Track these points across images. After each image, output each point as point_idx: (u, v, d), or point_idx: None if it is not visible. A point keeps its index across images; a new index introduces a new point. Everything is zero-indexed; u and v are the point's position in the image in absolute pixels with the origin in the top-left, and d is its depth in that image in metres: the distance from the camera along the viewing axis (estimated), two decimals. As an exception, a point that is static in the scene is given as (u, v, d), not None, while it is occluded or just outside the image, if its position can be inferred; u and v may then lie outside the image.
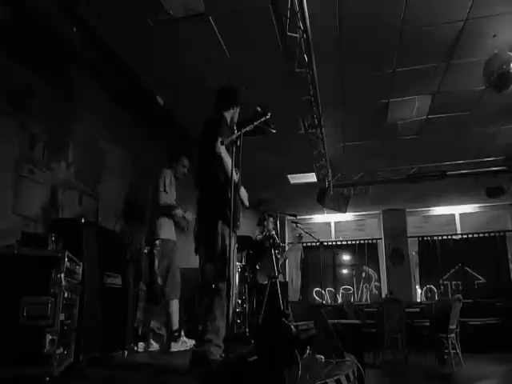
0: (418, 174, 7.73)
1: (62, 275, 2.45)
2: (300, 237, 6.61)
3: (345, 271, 11.00)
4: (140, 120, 5.56)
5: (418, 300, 9.96)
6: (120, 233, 4.20)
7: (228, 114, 3.20)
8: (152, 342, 4.14)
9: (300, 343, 2.46)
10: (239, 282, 5.27)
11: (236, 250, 3.18)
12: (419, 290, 10.29)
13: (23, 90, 3.69)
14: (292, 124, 5.82)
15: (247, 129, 2.81)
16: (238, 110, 3.29)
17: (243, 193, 3.09)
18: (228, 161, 2.88)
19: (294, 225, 6.82)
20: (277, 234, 6.38)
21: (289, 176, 8.18)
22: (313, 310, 8.51)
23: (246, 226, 4.93)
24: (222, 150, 2.86)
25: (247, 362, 2.13)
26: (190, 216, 4.12)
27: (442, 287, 9.89)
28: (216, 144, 2.82)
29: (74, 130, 4.34)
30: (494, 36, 4.29)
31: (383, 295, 9.94)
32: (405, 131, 6.39)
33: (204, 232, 3.05)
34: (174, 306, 4.09)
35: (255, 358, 2.15)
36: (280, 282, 5.31)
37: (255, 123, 2.89)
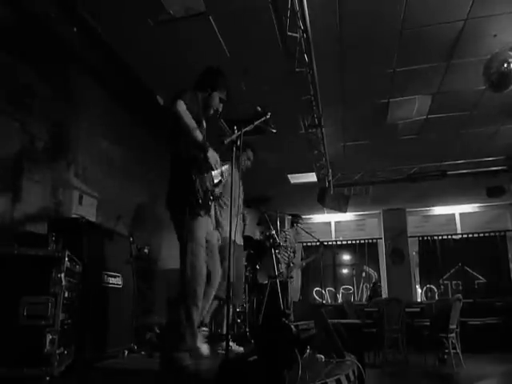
0: (418, 174, 7.73)
1: (63, 275, 2.45)
2: (322, 244, 6.57)
3: (345, 271, 11.00)
4: (140, 119, 5.56)
5: (418, 300, 9.97)
6: (121, 232, 4.19)
7: (200, 94, 2.97)
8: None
9: (300, 343, 2.46)
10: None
11: (215, 240, 2.95)
12: (419, 290, 10.30)
13: (23, 89, 3.69)
14: (292, 124, 5.82)
15: (247, 129, 2.79)
16: (217, 95, 3.01)
17: (213, 157, 2.73)
18: (189, 121, 2.63)
19: (295, 224, 6.82)
20: (277, 233, 6.39)
21: (289, 176, 8.18)
22: (313, 309, 8.52)
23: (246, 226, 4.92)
24: (181, 108, 2.60)
25: (247, 361, 2.13)
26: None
27: (442, 287, 9.90)
28: (174, 102, 2.60)
29: (74, 130, 4.35)
30: (495, 36, 4.28)
31: (383, 295, 9.95)
32: (405, 131, 6.39)
33: (172, 219, 2.82)
34: None
35: (255, 357, 2.15)
36: (280, 282, 5.32)
37: (255, 123, 2.88)
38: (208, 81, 3.02)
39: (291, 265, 6.32)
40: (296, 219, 6.51)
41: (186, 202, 2.62)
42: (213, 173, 2.81)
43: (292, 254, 6.31)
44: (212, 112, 3.04)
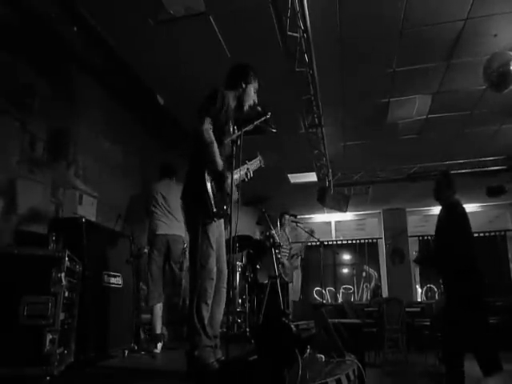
0: (419, 174, 7.73)
1: (63, 274, 2.45)
2: (312, 231, 6.59)
3: (345, 271, 11.00)
4: (140, 119, 5.56)
5: (419, 299, 9.97)
6: (121, 232, 4.19)
7: (232, 93, 2.90)
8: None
9: (300, 342, 2.46)
10: (240, 282, 5.27)
11: (223, 238, 2.92)
12: (419, 290, 10.30)
13: (24, 89, 3.69)
14: (292, 123, 5.82)
15: (247, 128, 2.78)
16: (252, 87, 2.94)
17: (229, 185, 2.69)
18: (212, 147, 2.60)
19: (294, 224, 6.82)
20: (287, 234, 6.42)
21: (289, 175, 8.18)
22: (313, 309, 8.52)
23: (245, 224, 4.92)
24: (207, 130, 2.60)
25: (247, 361, 2.13)
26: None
27: (442, 287, 9.88)
28: (201, 120, 2.60)
29: (75, 129, 4.35)
30: (495, 35, 4.28)
31: (384, 295, 9.95)
32: (405, 130, 6.39)
33: (187, 224, 2.86)
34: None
35: (255, 357, 2.15)
36: (280, 282, 5.31)
37: (255, 123, 2.86)
38: (239, 76, 2.95)
39: (293, 254, 6.35)
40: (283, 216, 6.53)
41: (200, 211, 2.63)
42: (236, 176, 2.73)
43: (289, 246, 6.35)
44: (249, 106, 2.98)
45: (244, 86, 2.93)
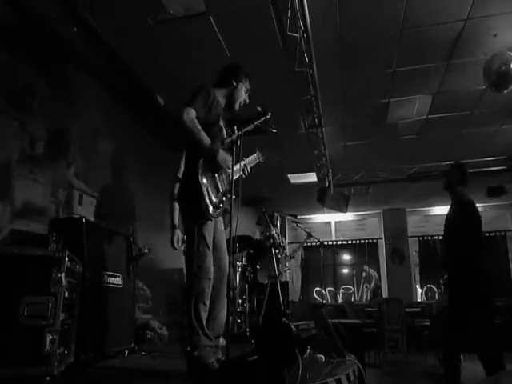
0: (419, 174, 7.73)
1: (63, 275, 2.45)
2: (309, 234, 6.62)
3: (345, 271, 11.01)
4: (140, 119, 5.55)
5: (419, 299, 9.98)
6: (121, 232, 4.19)
7: (223, 91, 2.90)
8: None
9: (300, 343, 2.46)
10: (240, 282, 5.26)
11: (224, 235, 2.90)
12: (419, 290, 10.30)
13: (24, 89, 3.69)
14: (292, 123, 5.82)
15: (247, 129, 2.78)
16: (243, 86, 2.94)
17: (224, 158, 2.64)
18: (196, 129, 2.55)
19: (295, 224, 6.82)
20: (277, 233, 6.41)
21: (289, 175, 8.18)
22: (313, 309, 8.52)
23: (245, 224, 4.92)
24: (188, 116, 2.54)
25: (247, 361, 2.13)
26: None
27: (442, 287, 9.88)
28: (183, 110, 2.55)
29: (75, 130, 4.34)
30: (495, 36, 4.29)
31: (384, 295, 9.96)
32: (405, 131, 6.39)
33: (183, 224, 2.85)
34: None
35: (255, 357, 2.15)
36: (280, 282, 5.31)
37: (255, 123, 2.85)
38: (230, 75, 2.93)
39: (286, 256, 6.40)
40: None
41: (195, 211, 2.61)
42: (235, 168, 2.67)
43: (282, 249, 6.39)
44: (239, 105, 2.97)
45: (235, 83, 2.92)
